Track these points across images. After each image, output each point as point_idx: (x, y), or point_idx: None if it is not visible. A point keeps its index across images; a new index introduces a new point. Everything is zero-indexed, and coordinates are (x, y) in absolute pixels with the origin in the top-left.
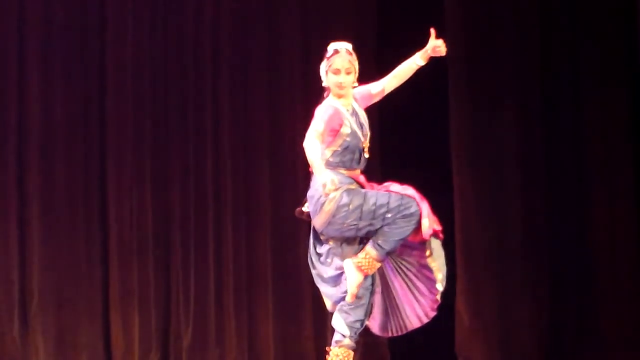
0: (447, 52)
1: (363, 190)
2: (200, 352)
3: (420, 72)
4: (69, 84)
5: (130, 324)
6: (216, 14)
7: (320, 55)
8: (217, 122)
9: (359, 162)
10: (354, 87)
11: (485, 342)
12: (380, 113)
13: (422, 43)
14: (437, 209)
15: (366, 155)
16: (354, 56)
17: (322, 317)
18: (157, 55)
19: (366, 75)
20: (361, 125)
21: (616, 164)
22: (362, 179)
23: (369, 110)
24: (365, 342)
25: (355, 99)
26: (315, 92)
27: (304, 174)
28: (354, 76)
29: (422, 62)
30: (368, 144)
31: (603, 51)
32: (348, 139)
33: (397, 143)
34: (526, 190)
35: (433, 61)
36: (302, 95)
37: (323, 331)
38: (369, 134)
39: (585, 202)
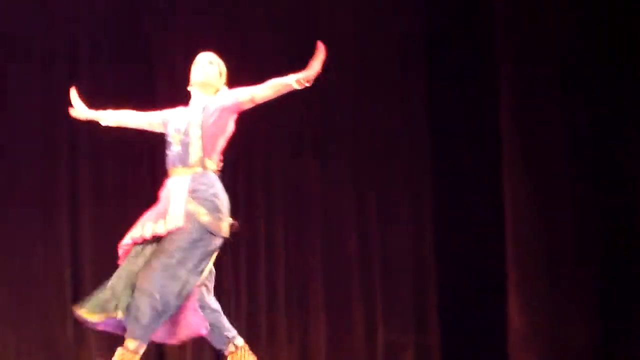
0: (497, 51)
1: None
2: (252, 352)
3: (468, 76)
4: (118, 89)
5: None
6: None
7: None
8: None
9: (171, 160)
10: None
11: (537, 344)
12: (433, 121)
13: (471, 43)
14: (488, 216)
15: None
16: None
17: (372, 317)
18: None
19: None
20: (179, 124)
21: None
22: (170, 183)
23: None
24: (416, 343)
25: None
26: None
27: (353, 172)
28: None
29: (298, 87)
30: (178, 139)
31: None
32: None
33: (448, 151)
34: (577, 195)
35: (483, 61)
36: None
37: (374, 330)
38: (183, 131)
39: (636, 207)
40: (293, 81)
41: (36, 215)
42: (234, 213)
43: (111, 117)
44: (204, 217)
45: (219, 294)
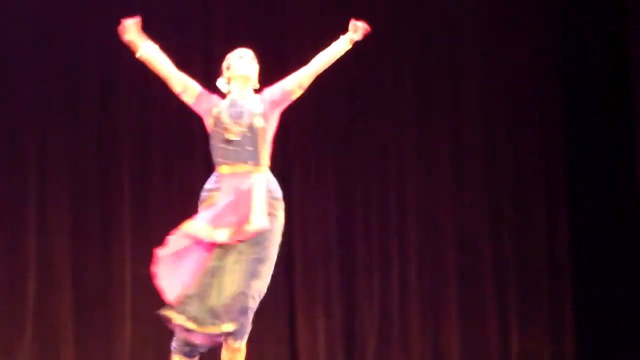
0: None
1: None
2: (385, 356)
3: (602, 74)
4: None
5: (316, 327)
6: None
7: None
8: (400, 128)
9: (232, 154)
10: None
11: None
12: (568, 124)
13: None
14: (624, 220)
15: (230, 140)
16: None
17: (507, 326)
18: None
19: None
20: (239, 114)
21: None
22: (245, 184)
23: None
24: (552, 352)
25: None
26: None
27: (487, 179)
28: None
29: (349, 46)
30: (239, 130)
31: None
32: (211, 125)
33: (583, 155)
34: None
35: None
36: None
37: (509, 339)
38: (245, 123)
39: None
40: (345, 43)
41: (173, 199)
42: (367, 220)
43: (149, 51)
44: (281, 217)
45: (352, 300)
